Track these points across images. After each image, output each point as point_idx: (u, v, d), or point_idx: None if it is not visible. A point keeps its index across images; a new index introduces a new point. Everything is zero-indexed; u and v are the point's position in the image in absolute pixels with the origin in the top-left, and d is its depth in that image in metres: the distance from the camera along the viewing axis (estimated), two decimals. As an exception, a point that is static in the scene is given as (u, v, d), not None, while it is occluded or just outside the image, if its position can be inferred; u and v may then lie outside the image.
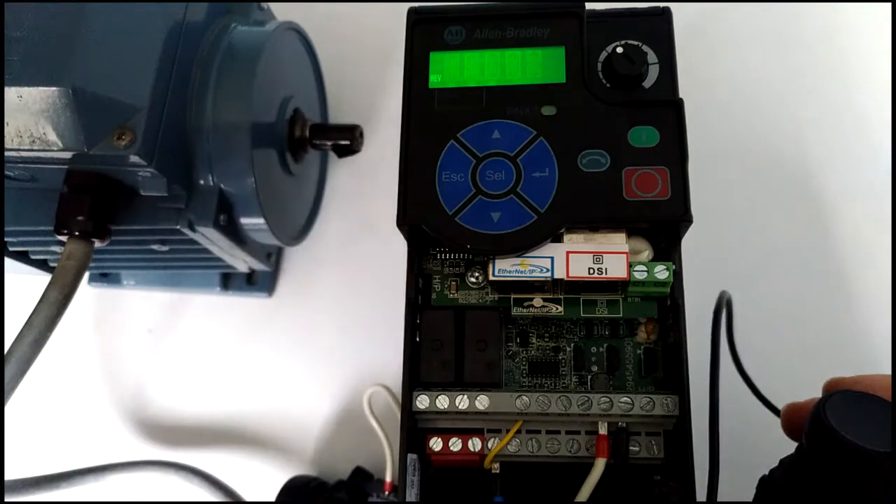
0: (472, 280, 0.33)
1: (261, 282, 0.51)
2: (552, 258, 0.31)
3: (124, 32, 0.36)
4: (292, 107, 0.46)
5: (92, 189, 0.37)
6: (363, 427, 0.44)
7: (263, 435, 0.49)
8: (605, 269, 0.31)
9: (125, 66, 0.36)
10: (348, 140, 0.47)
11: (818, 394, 0.29)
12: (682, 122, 0.32)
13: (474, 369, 0.31)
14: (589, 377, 0.32)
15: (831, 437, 0.23)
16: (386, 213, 0.34)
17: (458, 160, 0.32)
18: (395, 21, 0.37)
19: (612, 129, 0.32)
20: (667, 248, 0.32)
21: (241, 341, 0.51)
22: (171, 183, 0.38)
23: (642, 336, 0.32)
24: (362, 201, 0.53)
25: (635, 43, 0.33)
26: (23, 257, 0.45)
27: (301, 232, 0.51)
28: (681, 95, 0.32)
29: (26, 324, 0.35)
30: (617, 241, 0.31)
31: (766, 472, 0.28)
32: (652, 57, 0.33)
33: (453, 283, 0.34)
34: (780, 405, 0.33)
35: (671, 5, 0.34)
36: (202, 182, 0.40)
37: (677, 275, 0.31)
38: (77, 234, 0.37)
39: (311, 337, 0.50)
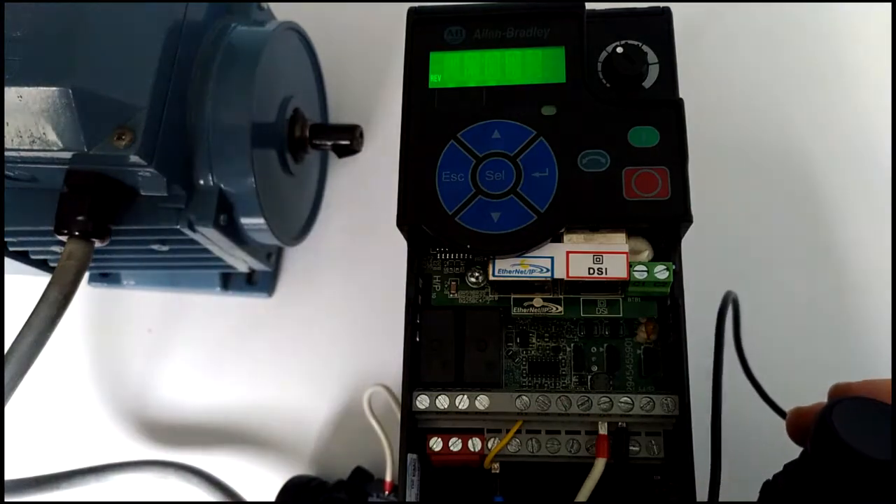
0: (472, 280, 0.33)
1: (261, 282, 0.51)
2: (552, 258, 0.31)
3: (124, 32, 0.36)
4: (292, 107, 0.46)
5: (92, 189, 0.37)
6: (363, 427, 0.44)
7: (263, 435, 0.49)
8: (605, 269, 0.31)
9: (125, 66, 0.36)
10: (348, 140, 0.47)
11: (821, 396, 0.29)
12: (682, 122, 0.32)
13: (474, 369, 0.31)
14: (589, 377, 0.32)
15: (837, 443, 0.23)
16: (386, 213, 0.34)
17: (458, 160, 0.32)
18: (395, 21, 0.37)
19: (612, 129, 0.32)
20: (667, 248, 0.32)
21: (241, 341, 0.51)
22: (171, 183, 0.39)
23: (642, 336, 0.32)
24: (362, 201, 0.53)
25: (635, 43, 0.33)
26: (23, 257, 0.45)
27: (301, 232, 0.51)
28: (681, 95, 0.32)
29: (26, 324, 0.35)
30: (617, 241, 0.31)
31: (771, 477, 0.28)
32: (652, 57, 0.33)
33: (453, 283, 0.34)
34: (779, 405, 0.33)
35: (671, 5, 0.34)
36: (202, 182, 0.40)
37: (677, 275, 0.31)
38: (77, 234, 0.37)
39: (311, 337, 0.50)
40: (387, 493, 0.42)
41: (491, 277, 0.31)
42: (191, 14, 0.39)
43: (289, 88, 0.46)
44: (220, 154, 0.40)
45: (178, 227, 0.39)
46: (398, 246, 0.33)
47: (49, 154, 0.36)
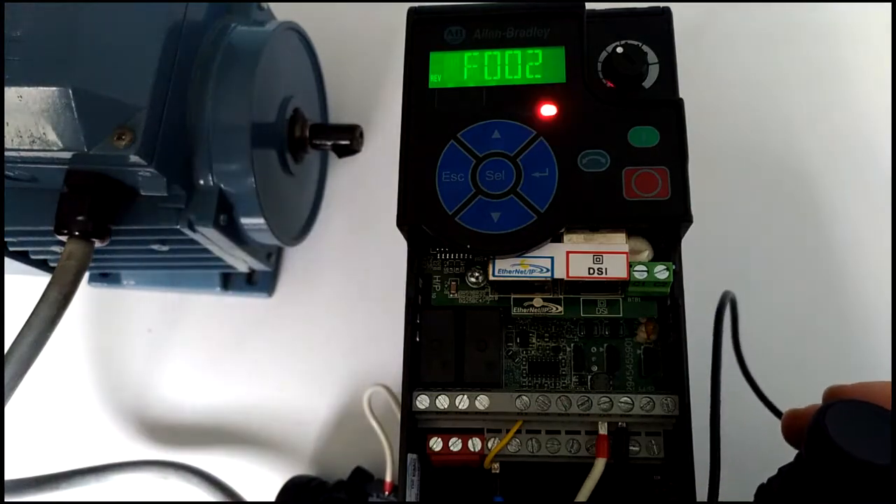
0: (472, 280, 0.33)
1: (261, 282, 0.51)
2: (552, 258, 0.31)
3: (124, 32, 0.36)
4: (292, 107, 0.46)
5: (92, 189, 0.37)
6: (363, 427, 0.44)
7: (263, 435, 0.49)
8: (605, 269, 0.31)
9: (125, 66, 0.36)
10: (348, 140, 0.47)
11: (817, 398, 0.29)
12: (682, 122, 0.32)
13: (474, 369, 0.31)
14: (589, 377, 0.32)
15: (831, 447, 0.23)
16: (386, 213, 0.34)
17: (458, 160, 0.32)
18: (395, 21, 0.37)
19: (612, 129, 0.32)
20: (667, 248, 0.32)
21: (241, 341, 0.51)
22: (171, 183, 0.39)
23: (642, 336, 0.32)
24: (362, 201, 0.53)
25: (635, 43, 0.33)
26: (23, 257, 0.45)
27: (301, 232, 0.51)
28: (681, 95, 0.32)
29: (26, 324, 0.35)
30: (617, 241, 0.31)
31: (766, 478, 0.28)
32: (652, 57, 0.33)
33: (453, 283, 0.34)
34: (777, 405, 0.33)
35: (671, 5, 0.34)
36: (202, 182, 0.40)
37: (677, 275, 0.31)
38: (77, 234, 0.37)
39: (311, 337, 0.50)
40: (387, 493, 0.42)
41: (491, 277, 0.31)
42: (191, 14, 0.39)
43: (289, 88, 0.46)
44: (220, 154, 0.40)
45: (178, 227, 0.39)
46: (398, 246, 0.33)
47: (49, 154, 0.36)
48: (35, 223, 0.39)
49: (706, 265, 0.40)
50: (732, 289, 0.33)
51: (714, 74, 0.51)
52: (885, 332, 0.45)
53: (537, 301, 0.32)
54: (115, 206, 0.38)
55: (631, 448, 0.30)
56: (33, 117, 0.35)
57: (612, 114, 0.32)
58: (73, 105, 0.34)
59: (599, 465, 0.30)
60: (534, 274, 0.31)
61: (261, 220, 0.42)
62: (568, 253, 0.31)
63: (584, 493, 0.29)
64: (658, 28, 0.34)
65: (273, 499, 0.43)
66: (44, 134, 0.35)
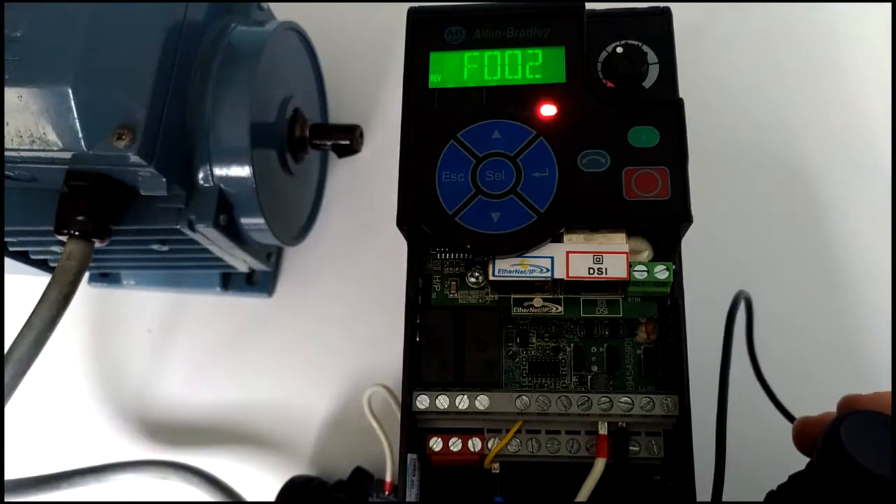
0: (472, 280, 0.33)
1: (261, 282, 0.51)
2: (552, 258, 0.31)
3: (124, 32, 0.36)
4: (292, 107, 0.46)
5: (92, 189, 0.37)
6: (363, 427, 0.44)
7: (263, 435, 0.49)
8: (605, 269, 0.31)
9: (125, 66, 0.36)
10: (348, 140, 0.47)
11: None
12: (682, 122, 0.32)
13: (474, 369, 0.31)
14: (589, 377, 0.32)
15: (845, 459, 0.22)
16: (386, 213, 0.34)
17: (458, 160, 0.32)
18: (395, 21, 0.37)
19: (612, 129, 0.32)
20: (667, 248, 0.32)
21: (241, 341, 0.51)
22: (171, 183, 0.38)
23: (642, 336, 0.32)
24: (362, 201, 0.53)
25: (635, 43, 0.33)
26: (23, 257, 0.45)
27: (301, 232, 0.51)
28: (681, 95, 0.32)
29: (26, 324, 0.35)
30: (617, 241, 0.31)
31: (769, 483, 0.27)
32: (652, 57, 0.33)
33: (453, 283, 0.34)
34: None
35: (671, 5, 0.34)
36: (202, 182, 0.40)
37: (677, 275, 0.31)
38: (77, 234, 0.37)
39: (311, 337, 0.50)
40: (387, 493, 0.42)
41: (491, 277, 0.31)
42: (191, 14, 0.39)
43: (289, 88, 0.46)
44: (220, 154, 0.40)
45: (178, 227, 0.39)
46: (398, 246, 0.33)
47: (49, 154, 0.36)
48: (35, 223, 0.39)
49: (706, 265, 0.40)
50: (732, 289, 0.33)
51: (714, 74, 0.51)
52: (885, 332, 0.45)
53: (537, 301, 0.32)
54: (115, 206, 0.38)
55: (631, 448, 0.30)
56: (33, 117, 0.35)
57: (612, 114, 0.32)
58: (73, 105, 0.34)
59: (599, 465, 0.30)
60: (534, 274, 0.31)
61: (261, 220, 0.42)
62: (568, 253, 0.31)
63: (584, 493, 0.29)
64: (658, 28, 0.34)
65: (273, 499, 0.43)
66: (44, 134, 0.35)
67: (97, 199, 0.37)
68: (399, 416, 0.31)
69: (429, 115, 0.33)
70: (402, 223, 0.32)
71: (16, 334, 0.35)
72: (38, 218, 0.39)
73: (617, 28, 0.34)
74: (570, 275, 0.31)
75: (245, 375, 0.50)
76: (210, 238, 0.41)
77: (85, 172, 0.37)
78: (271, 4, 0.48)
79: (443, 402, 0.31)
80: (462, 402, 0.31)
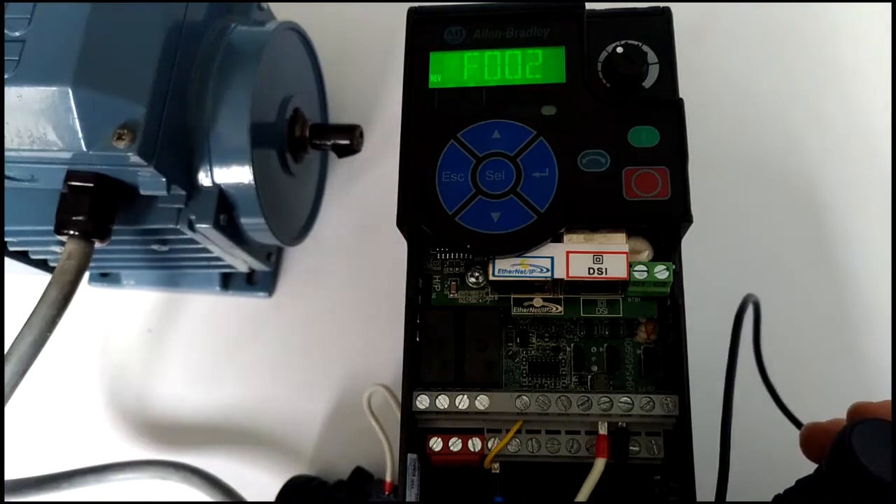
0: (472, 280, 0.33)
1: (261, 282, 0.51)
2: (552, 258, 0.31)
3: (124, 32, 0.36)
4: (292, 107, 0.46)
5: (92, 189, 0.37)
6: (363, 427, 0.44)
7: (263, 435, 0.48)
8: (605, 269, 0.31)
9: (125, 66, 0.36)
10: (348, 140, 0.47)
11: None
12: (682, 121, 0.32)
13: (474, 369, 0.32)
14: (589, 377, 0.32)
15: (855, 467, 0.22)
16: (386, 213, 0.34)
17: (458, 160, 0.32)
18: (395, 21, 0.37)
19: (612, 129, 0.32)
20: (667, 248, 0.32)
21: (241, 341, 0.51)
22: (171, 183, 0.38)
23: (642, 336, 0.32)
24: (362, 201, 0.53)
25: (635, 43, 0.33)
26: (23, 257, 0.45)
27: (301, 232, 0.50)
28: (681, 95, 0.32)
29: (26, 324, 0.35)
30: (617, 241, 0.31)
31: (773, 486, 0.27)
32: (652, 57, 0.33)
33: (453, 283, 0.34)
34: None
35: (671, 5, 0.34)
36: (202, 182, 0.40)
37: (677, 275, 0.31)
38: (77, 234, 0.37)
39: (311, 337, 0.50)
40: (387, 493, 0.42)
41: (491, 277, 0.31)
42: (191, 14, 0.39)
43: (289, 88, 0.46)
44: (220, 154, 0.40)
45: (178, 226, 0.39)
46: (398, 246, 0.33)
47: (49, 154, 0.36)
48: (35, 223, 0.39)
49: (707, 265, 0.40)
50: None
51: (714, 75, 0.51)
52: (884, 332, 0.45)
53: (537, 301, 0.32)
54: (115, 206, 0.38)
55: (631, 448, 0.30)
56: (33, 117, 0.35)
57: (612, 114, 0.32)
58: (73, 105, 0.34)
59: (599, 465, 0.30)
60: (534, 274, 0.31)
61: (261, 220, 0.42)
62: (568, 253, 0.31)
63: (584, 493, 0.29)
64: (658, 28, 0.34)
65: (273, 499, 0.43)
66: (44, 134, 0.35)
67: (97, 199, 0.37)
68: (399, 416, 0.31)
69: (429, 115, 0.33)
70: (402, 223, 0.32)
71: (16, 334, 0.35)
72: (38, 218, 0.39)
73: (617, 28, 0.34)
74: (570, 275, 0.31)
75: (245, 375, 0.50)
76: (210, 238, 0.41)
77: (85, 172, 0.37)
78: (271, 4, 0.48)
79: (443, 402, 0.31)
80: (462, 402, 0.31)
